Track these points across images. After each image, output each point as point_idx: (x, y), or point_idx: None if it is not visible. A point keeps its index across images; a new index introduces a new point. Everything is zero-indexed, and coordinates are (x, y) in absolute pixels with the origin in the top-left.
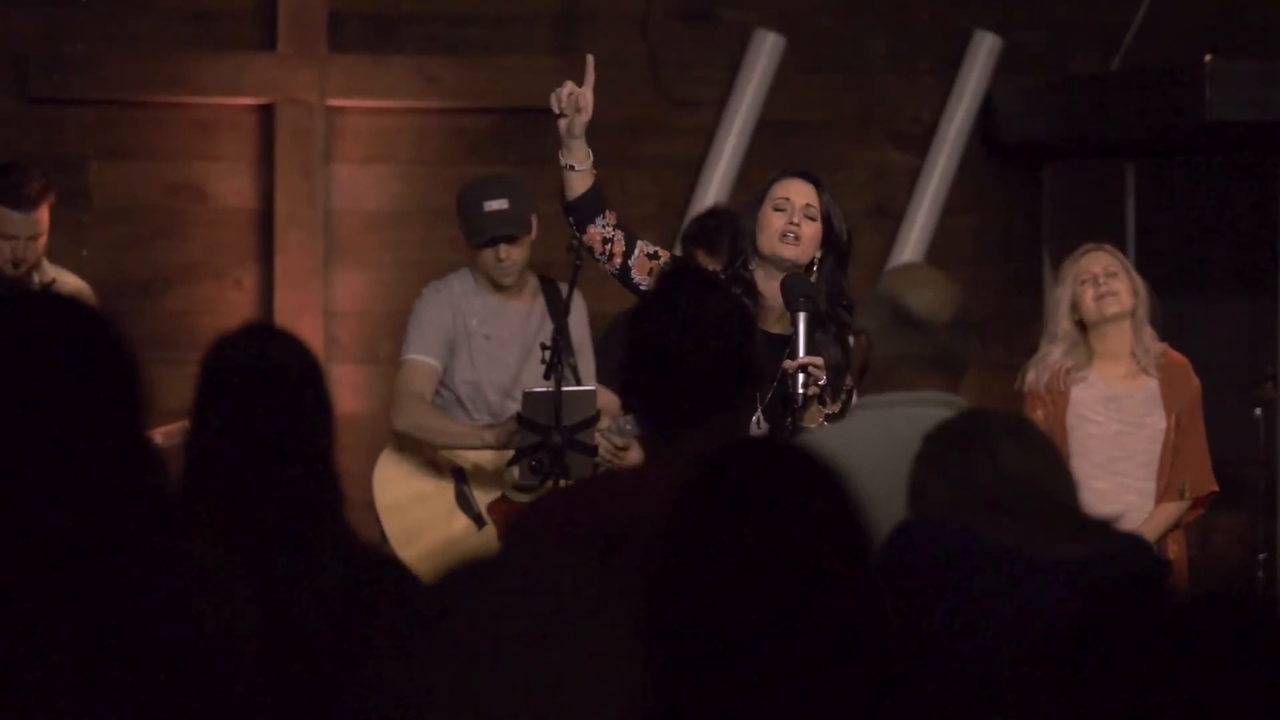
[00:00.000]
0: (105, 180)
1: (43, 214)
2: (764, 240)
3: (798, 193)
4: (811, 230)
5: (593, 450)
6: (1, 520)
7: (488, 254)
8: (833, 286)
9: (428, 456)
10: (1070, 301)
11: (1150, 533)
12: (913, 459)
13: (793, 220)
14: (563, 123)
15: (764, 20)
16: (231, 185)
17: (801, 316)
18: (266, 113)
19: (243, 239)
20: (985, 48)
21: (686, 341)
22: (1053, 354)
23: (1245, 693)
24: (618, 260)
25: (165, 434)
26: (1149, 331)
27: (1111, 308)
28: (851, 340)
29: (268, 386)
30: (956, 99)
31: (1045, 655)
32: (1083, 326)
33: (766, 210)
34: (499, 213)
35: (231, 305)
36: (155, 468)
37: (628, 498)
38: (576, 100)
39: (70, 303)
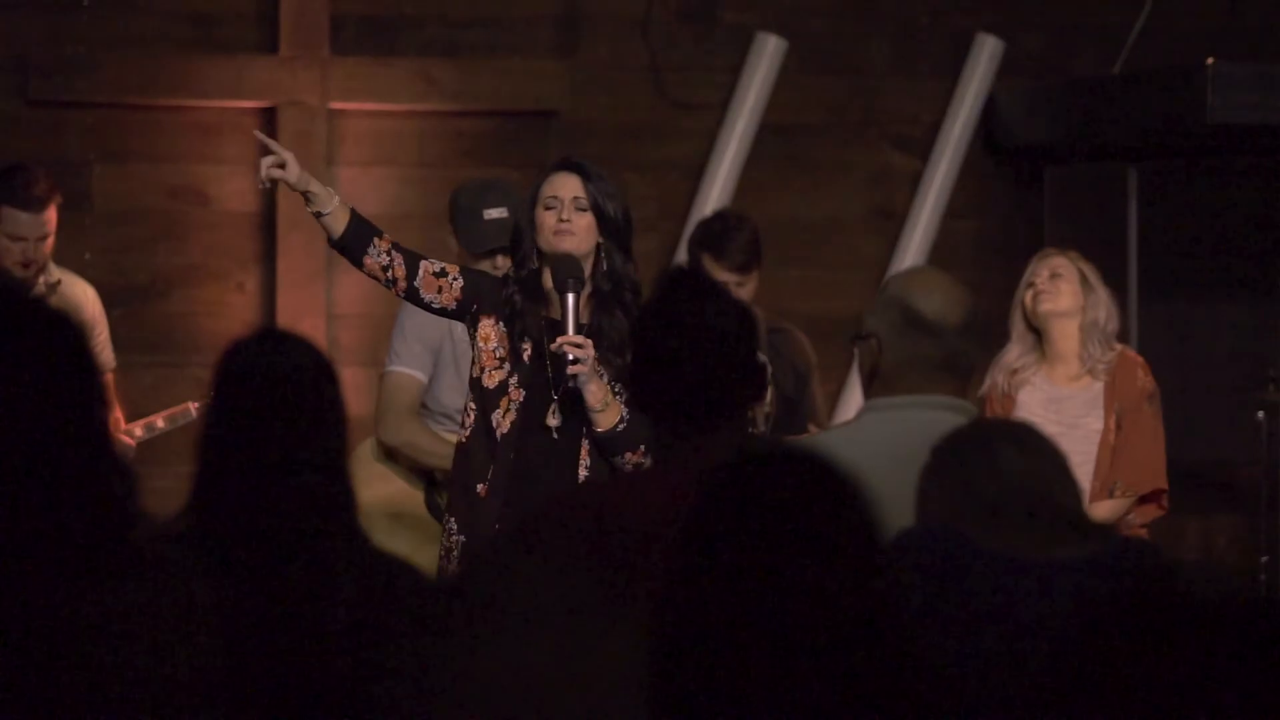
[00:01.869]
0: (107, 183)
1: (50, 215)
2: (542, 240)
3: (564, 187)
4: (585, 221)
5: None
6: None
7: (483, 263)
8: (613, 270)
9: (399, 461)
10: (1020, 303)
11: None
12: (921, 470)
13: (563, 216)
14: (271, 177)
15: (765, 23)
16: (233, 188)
17: (570, 297)
18: (268, 115)
19: (245, 242)
20: (987, 51)
21: (689, 347)
22: (1008, 356)
23: (1250, 696)
24: (402, 285)
25: (167, 417)
26: (1101, 339)
27: (1044, 304)
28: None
29: (281, 391)
30: (958, 102)
31: (1047, 659)
32: (1037, 331)
33: (539, 211)
34: (499, 222)
35: (233, 308)
36: (120, 475)
37: (639, 501)
38: (271, 169)
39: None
